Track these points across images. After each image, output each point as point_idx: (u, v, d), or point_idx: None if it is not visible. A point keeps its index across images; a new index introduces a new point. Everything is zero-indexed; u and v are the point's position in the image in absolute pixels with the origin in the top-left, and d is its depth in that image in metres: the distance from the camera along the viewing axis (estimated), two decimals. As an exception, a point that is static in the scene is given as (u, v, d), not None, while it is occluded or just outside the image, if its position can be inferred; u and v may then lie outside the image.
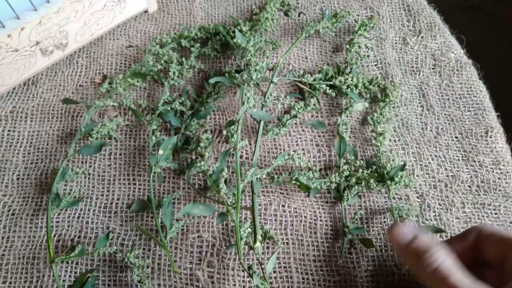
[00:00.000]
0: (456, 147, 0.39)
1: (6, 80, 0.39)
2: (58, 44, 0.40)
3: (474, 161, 0.38)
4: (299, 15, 0.46)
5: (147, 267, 0.33)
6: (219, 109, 0.41)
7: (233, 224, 0.31)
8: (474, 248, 0.29)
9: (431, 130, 0.40)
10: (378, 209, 0.36)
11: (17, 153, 0.38)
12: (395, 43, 0.45)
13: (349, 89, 0.40)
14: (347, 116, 0.40)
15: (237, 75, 0.39)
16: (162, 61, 0.41)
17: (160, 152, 0.35)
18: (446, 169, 0.38)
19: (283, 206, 0.36)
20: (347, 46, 0.43)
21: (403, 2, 0.48)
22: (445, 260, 0.26)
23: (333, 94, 0.41)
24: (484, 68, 0.45)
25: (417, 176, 0.37)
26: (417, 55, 0.45)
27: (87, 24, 0.41)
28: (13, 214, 0.35)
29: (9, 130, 0.39)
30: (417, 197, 0.36)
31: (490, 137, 0.39)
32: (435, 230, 0.34)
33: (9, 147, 0.38)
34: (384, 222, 0.35)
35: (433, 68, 0.44)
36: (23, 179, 0.37)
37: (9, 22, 0.36)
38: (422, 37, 0.46)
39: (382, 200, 0.36)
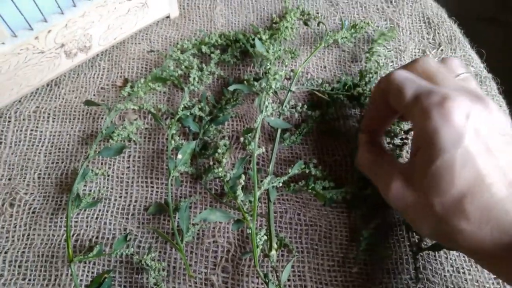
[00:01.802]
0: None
1: (31, 81, 0.40)
2: (82, 47, 0.41)
3: None
4: (318, 25, 0.46)
5: (163, 270, 0.33)
6: (237, 116, 0.41)
7: (249, 231, 0.32)
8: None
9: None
10: (394, 221, 0.36)
11: (39, 153, 0.39)
12: (415, 55, 0.45)
13: (367, 100, 0.40)
14: (364, 127, 0.40)
15: (255, 83, 0.39)
16: (183, 67, 0.42)
17: (179, 156, 0.35)
18: (463, 183, 0.38)
19: (299, 214, 0.36)
20: (367, 54, 0.43)
21: (423, 15, 0.49)
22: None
23: (351, 106, 0.41)
24: (504, 82, 0.45)
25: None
26: (436, 68, 0.44)
27: (110, 28, 0.42)
28: (33, 212, 0.36)
29: (31, 130, 0.40)
30: (434, 211, 0.36)
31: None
32: (449, 248, 0.34)
33: (31, 146, 0.39)
34: (400, 234, 0.35)
35: (452, 81, 0.44)
36: (44, 178, 0.37)
37: (37, 24, 0.37)
38: (441, 50, 0.46)
39: (398, 212, 0.36)
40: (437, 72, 0.29)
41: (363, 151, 0.33)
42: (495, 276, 0.27)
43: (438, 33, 0.47)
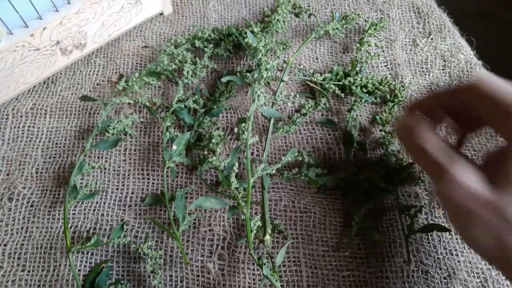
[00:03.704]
0: (466, 146, 0.39)
1: (28, 78, 0.40)
2: (77, 44, 0.42)
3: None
4: (309, 17, 0.47)
5: (160, 258, 0.33)
6: (231, 108, 0.41)
7: (243, 217, 0.32)
8: (465, 106, 0.27)
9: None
10: (387, 206, 0.36)
11: (36, 148, 0.39)
12: (405, 44, 0.46)
13: (358, 89, 0.41)
14: (356, 115, 0.41)
15: (248, 74, 0.40)
16: (177, 61, 0.42)
17: (174, 147, 0.36)
18: (455, 168, 0.38)
19: (293, 202, 0.36)
20: (358, 44, 0.43)
21: (413, 5, 0.49)
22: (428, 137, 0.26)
23: (342, 95, 0.41)
24: (494, 70, 0.45)
25: (427, 174, 0.38)
26: (426, 56, 0.45)
27: (105, 25, 0.43)
28: (32, 206, 0.36)
29: (29, 126, 0.40)
30: (426, 195, 0.37)
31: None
32: (442, 229, 0.34)
33: (28, 142, 0.40)
34: (393, 219, 0.36)
35: (443, 69, 0.44)
36: (41, 172, 0.38)
37: (32, 22, 0.37)
38: (432, 38, 0.46)
39: (391, 197, 0.37)
40: None
41: (433, 137, 0.26)
42: None
43: (428, 22, 0.47)
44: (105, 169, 0.38)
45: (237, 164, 0.33)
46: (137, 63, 0.45)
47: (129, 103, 0.41)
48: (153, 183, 0.38)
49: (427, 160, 0.26)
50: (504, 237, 0.22)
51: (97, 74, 0.44)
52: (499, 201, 0.23)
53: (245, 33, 0.43)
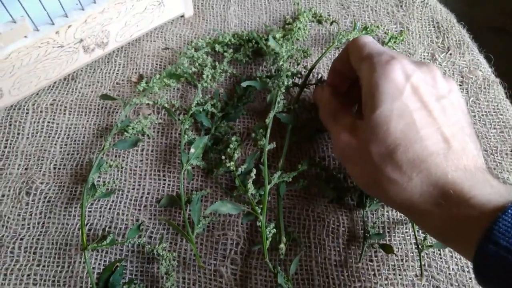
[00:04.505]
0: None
1: (49, 74, 0.41)
2: (100, 42, 0.42)
3: (498, 178, 0.39)
4: (331, 24, 0.47)
5: (174, 259, 0.34)
6: (248, 113, 0.42)
7: (258, 224, 0.32)
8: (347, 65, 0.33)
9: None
10: (400, 219, 0.36)
11: (55, 144, 0.40)
12: (424, 58, 0.46)
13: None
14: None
15: (268, 80, 0.40)
16: (197, 64, 0.43)
17: (192, 150, 0.36)
18: (470, 184, 0.38)
19: (307, 210, 0.37)
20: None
21: (433, 19, 0.49)
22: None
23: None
24: (512, 87, 0.45)
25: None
26: (445, 71, 0.45)
27: (127, 25, 0.43)
28: (48, 201, 0.37)
29: (48, 122, 0.41)
30: (440, 210, 0.37)
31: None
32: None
33: (47, 137, 0.40)
34: (406, 232, 0.36)
35: (460, 85, 0.44)
36: (59, 168, 0.38)
37: (58, 19, 0.38)
38: (450, 53, 0.46)
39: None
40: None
41: (326, 100, 0.35)
42: (424, 231, 0.29)
43: (447, 37, 0.48)
44: (122, 168, 0.38)
45: (254, 170, 0.34)
46: (157, 64, 0.45)
47: (147, 104, 0.42)
48: (169, 184, 0.38)
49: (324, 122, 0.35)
50: (367, 171, 0.28)
51: (117, 73, 0.44)
52: (361, 146, 0.28)
53: (266, 39, 0.43)
